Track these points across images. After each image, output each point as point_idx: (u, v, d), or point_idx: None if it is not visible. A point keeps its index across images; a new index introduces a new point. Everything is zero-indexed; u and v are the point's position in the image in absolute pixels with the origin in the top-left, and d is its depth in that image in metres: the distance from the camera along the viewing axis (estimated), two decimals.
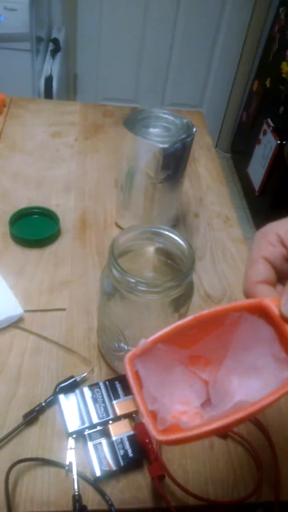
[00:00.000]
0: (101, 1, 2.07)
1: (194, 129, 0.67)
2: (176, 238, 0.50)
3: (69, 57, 2.21)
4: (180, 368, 0.31)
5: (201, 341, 0.31)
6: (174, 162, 0.66)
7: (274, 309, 0.29)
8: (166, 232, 0.51)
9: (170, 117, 0.69)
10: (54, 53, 1.96)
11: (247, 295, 0.33)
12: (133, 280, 0.45)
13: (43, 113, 1.03)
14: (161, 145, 0.63)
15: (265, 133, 1.94)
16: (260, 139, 1.99)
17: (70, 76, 2.29)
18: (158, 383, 0.30)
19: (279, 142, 1.80)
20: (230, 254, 0.76)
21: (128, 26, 2.15)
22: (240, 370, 0.31)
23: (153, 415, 0.29)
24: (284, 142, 1.78)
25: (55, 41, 1.98)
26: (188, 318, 0.30)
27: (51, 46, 1.98)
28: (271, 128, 1.88)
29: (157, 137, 0.65)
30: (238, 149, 2.44)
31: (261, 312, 0.30)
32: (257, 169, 2.02)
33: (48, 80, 1.83)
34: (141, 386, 0.29)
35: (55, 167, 0.88)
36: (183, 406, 0.30)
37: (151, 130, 0.67)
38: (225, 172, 2.36)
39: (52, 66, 1.87)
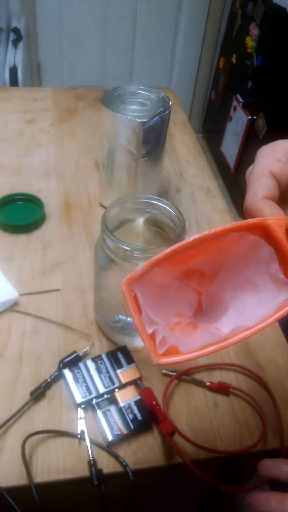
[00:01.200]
0: None
1: (171, 102, 0.68)
2: (165, 206, 0.51)
3: (31, 46, 2.17)
4: (175, 283, 0.31)
5: (198, 257, 0.30)
6: (154, 136, 0.67)
7: (277, 229, 0.28)
8: (155, 202, 0.52)
9: (146, 93, 0.69)
10: (16, 42, 1.92)
11: (250, 211, 0.30)
12: (128, 248, 0.46)
13: (14, 100, 1.02)
14: (140, 120, 0.63)
15: (235, 109, 1.96)
16: (231, 116, 2.01)
17: (33, 65, 2.25)
18: (155, 303, 0.30)
19: (250, 117, 1.82)
20: (215, 224, 0.77)
21: (89, 10, 2.12)
22: (235, 283, 0.30)
23: (153, 339, 0.29)
24: (255, 117, 1.80)
25: (16, 31, 1.94)
26: (188, 239, 0.29)
27: (12, 36, 1.94)
28: (240, 104, 1.90)
29: (135, 112, 0.65)
30: (209, 128, 2.45)
31: (263, 232, 0.29)
32: (231, 146, 2.04)
33: (13, 70, 1.80)
34: (140, 311, 0.29)
35: (33, 154, 0.88)
36: (177, 317, 0.30)
37: (128, 106, 0.68)
38: None
39: (15, 56, 1.84)
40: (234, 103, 1.96)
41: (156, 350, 0.28)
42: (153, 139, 0.67)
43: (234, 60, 2.00)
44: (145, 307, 0.29)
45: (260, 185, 0.30)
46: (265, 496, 0.33)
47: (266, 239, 0.29)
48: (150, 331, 0.29)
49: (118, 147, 0.68)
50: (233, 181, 2.11)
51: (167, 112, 0.67)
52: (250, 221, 0.29)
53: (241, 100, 1.91)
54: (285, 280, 0.29)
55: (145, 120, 0.64)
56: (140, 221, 0.54)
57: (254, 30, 1.78)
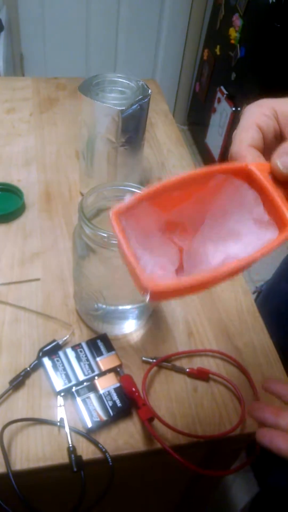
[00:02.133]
0: None
1: (150, 91, 0.67)
2: None
3: (13, 37, 2.14)
4: (158, 235, 0.31)
5: (182, 205, 0.30)
6: (133, 124, 0.67)
7: (260, 173, 0.29)
8: (134, 189, 0.52)
9: (125, 81, 0.69)
10: None
11: (235, 157, 0.32)
12: (105, 235, 0.45)
13: None
14: (118, 108, 0.63)
15: (219, 101, 1.96)
16: (215, 107, 2.01)
17: (16, 56, 2.22)
18: (139, 246, 0.30)
19: (234, 109, 1.82)
20: None
21: (72, 1, 2.09)
22: (217, 237, 0.31)
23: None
24: (239, 109, 1.80)
25: None
26: (175, 177, 0.29)
27: None
28: (224, 95, 1.90)
29: (114, 100, 0.65)
30: (194, 120, 2.45)
31: (247, 177, 0.30)
32: (215, 138, 2.04)
33: None
34: (128, 243, 0.29)
35: (13, 143, 0.86)
36: (159, 270, 0.30)
37: (107, 94, 0.67)
38: None
39: None
40: (218, 94, 1.96)
41: (145, 276, 0.27)
42: (132, 128, 0.67)
43: (218, 51, 1.99)
44: (131, 243, 0.29)
45: (247, 135, 0.33)
46: (261, 405, 0.39)
47: (249, 183, 0.30)
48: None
49: (97, 136, 0.67)
50: None
51: (146, 100, 0.67)
52: (235, 164, 0.31)
53: (225, 91, 1.91)
54: (271, 221, 0.29)
55: (123, 108, 0.63)
56: None
57: (237, 21, 1.78)
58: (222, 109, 1.93)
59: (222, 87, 1.93)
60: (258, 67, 1.66)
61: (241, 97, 1.80)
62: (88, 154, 0.71)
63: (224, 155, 1.99)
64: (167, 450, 0.45)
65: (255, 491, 1.06)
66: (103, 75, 0.69)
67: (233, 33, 1.81)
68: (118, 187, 0.52)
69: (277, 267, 0.90)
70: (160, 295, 0.30)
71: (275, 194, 0.29)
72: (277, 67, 1.60)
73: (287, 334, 0.72)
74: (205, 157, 2.25)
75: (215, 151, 2.05)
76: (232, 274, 0.28)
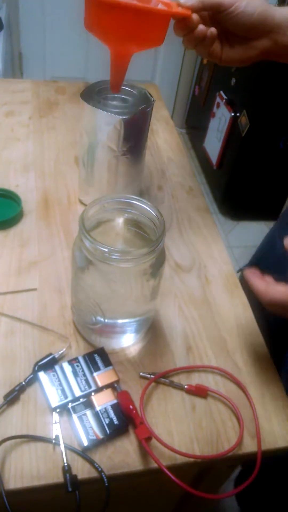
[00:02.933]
0: None
1: (153, 99, 0.67)
2: (145, 206, 0.50)
3: (13, 35, 2.12)
4: None
5: None
6: (135, 133, 0.66)
7: None
8: (135, 202, 0.51)
9: (128, 88, 0.68)
10: None
11: None
12: (106, 250, 0.44)
13: None
14: (121, 116, 0.62)
15: (218, 106, 1.96)
16: (214, 112, 2.00)
17: (15, 55, 2.20)
18: None
19: (233, 114, 1.82)
20: (196, 223, 0.77)
21: (73, 0, 2.08)
22: None
23: None
24: (238, 114, 1.80)
25: None
26: None
27: None
28: (224, 100, 1.89)
29: (116, 108, 0.64)
30: (192, 124, 2.45)
31: None
32: (213, 143, 2.04)
33: None
34: None
35: (11, 148, 0.85)
36: None
37: (110, 101, 0.66)
38: None
39: None
40: (218, 99, 1.96)
41: None
42: (134, 136, 0.66)
43: None
44: None
45: None
46: (254, 276, 0.48)
47: None
48: None
49: (98, 144, 0.66)
50: (215, 178, 2.12)
51: (149, 108, 0.66)
52: None
53: (224, 96, 1.90)
54: None
55: (126, 116, 0.62)
56: (120, 221, 0.53)
57: None
58: (221, 114, 1.92)
59: (221, 92, 1.93)
60: (258, 73, 1.66)
61: (240, 103, 1.80)
62: (88, 162, 0.70)
63: (222, 161, 1.99)
64: (165, 472, 0.44)
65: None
66: (106, 82, 0.68)
67: None
68: (120, 199, 0.51)
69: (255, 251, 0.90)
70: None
71: None
72: (277, 74, 1.60)
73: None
74: (203, 161, 2.24)
75: (213, 155, 2.05)
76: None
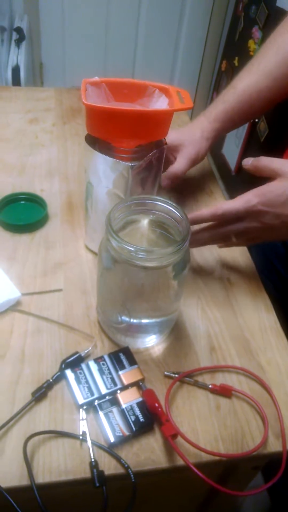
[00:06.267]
0: None
1: (165, 143, 0.60)
2: (170, 207, 0.51)
3: (34, 45, 2.17)
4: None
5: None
6: (145, 179, 0.59)
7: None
8: (160, 203, 0.52)
9: None
10: (18, 42, 1.92)
11: None
12: (132, 249, 0.45)
13: (17, 100, 1.02)
14: (129, 163, 0.55)
15: None
16: None
17: (36, 65, 2.25)
18: None
19: (252, 120, 1.82)
20: None
21: (92, 11, 2.12)
22: None
23: None
24: (256, 120, 1.80)
25: (19, 30, 1.94)
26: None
27: (15, 35, 1.94)
28: None
29: (123, 153, 0.57)
30: None
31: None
32: (232, 149, 2.04)
33: (15, 70, 1.80)
34: None
35: (36, 153, 0.87)
36: None
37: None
38: None
39: (18, 56, 1.84)
40: None
41: None
42: (144, 182, 0.60)
43: (236, 63, 2.00)
44: None
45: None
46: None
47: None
48: None
49: (103, 190, 0.60)
50: (234, 184, 2.11)
51: (160, 154, 0.59)
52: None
53: None
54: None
55: (135, 163, 0.55)
56: (145, 222, 0.54)
57: (256, 33, 1.79)
58: None
59: None
60: None
61: None
62: (92, 207, 0.64)
63: (240, 167, 1.98)
64: (192, 468, 0.44)
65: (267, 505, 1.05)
66: None
67: (252, 45, 1.82)
68: (145, 200, 0.52)
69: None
70: None
71: None
72: None
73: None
74: (221, 167, 2.25)
75: (231, 161, 2.05)
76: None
